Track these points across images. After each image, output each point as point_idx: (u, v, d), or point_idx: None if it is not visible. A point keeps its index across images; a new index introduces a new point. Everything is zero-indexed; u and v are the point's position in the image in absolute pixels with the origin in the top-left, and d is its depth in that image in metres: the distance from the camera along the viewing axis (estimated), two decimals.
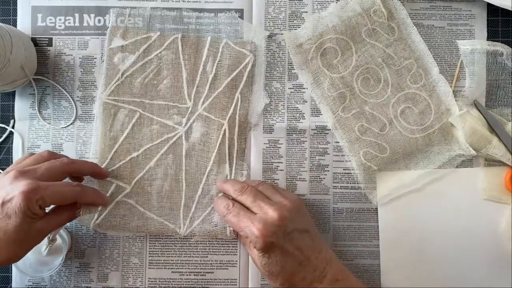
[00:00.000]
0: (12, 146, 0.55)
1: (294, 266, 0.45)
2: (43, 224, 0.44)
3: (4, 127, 0.55)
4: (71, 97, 0.55)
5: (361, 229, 0.55)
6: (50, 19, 0.55)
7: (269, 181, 0.55)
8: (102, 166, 0.54)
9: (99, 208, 0.51)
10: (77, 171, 0.48)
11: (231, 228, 0.53)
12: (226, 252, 0.55)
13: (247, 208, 0.47)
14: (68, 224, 0.54)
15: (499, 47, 0.55)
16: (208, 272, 0.55)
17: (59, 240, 0.52)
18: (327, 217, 0.55)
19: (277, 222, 0.44)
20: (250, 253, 0.50)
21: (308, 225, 0.48)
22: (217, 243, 0.55)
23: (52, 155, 0.48)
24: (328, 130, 0.55)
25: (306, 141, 0.56)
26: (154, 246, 0.55)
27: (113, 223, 0.53)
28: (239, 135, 0.55)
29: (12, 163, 0.55)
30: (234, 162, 0.55)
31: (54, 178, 0.45)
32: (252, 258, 0.49)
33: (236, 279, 0.55)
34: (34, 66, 0.54)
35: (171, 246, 0.55)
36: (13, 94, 0.55)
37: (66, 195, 0.45)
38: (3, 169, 0.55)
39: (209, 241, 0.55)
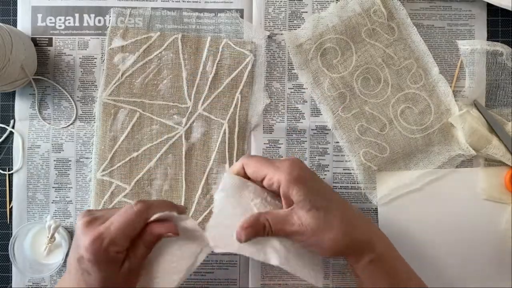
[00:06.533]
0: (12, 146, 0.55)
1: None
2: (130, 263, 0.40)
3: (4, 127, 0.55)
4: (71, 97, 0.55)
5: None
6: (50, 19, 0.55)
7: None
8: (102, 167, 0.54)
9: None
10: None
11: None
12: (226, 252, 0.55)
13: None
14: (68, 224, 0.54)
15: (499, 47, 0.55)
16: (208, 272, 0.55)
17: (59, 240, 0.52)
18: None
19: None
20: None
21: None
22: None
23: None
24: (328, 130, 0.55)
25: (306, 141, 0.56)
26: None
27: None
28: (239, 135, 0.55)
29: (12, 163, 0.55)
30: (234, 162, 0.55)
31: (128, 230, 0.39)
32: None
33: (236, 279, 0.55)
34: (34, 66, 0.54)
35: None
36: (13, 94, 0.55)
37: (133, 223, 0.39)
38: (3, 169, 0.55)
39: None
